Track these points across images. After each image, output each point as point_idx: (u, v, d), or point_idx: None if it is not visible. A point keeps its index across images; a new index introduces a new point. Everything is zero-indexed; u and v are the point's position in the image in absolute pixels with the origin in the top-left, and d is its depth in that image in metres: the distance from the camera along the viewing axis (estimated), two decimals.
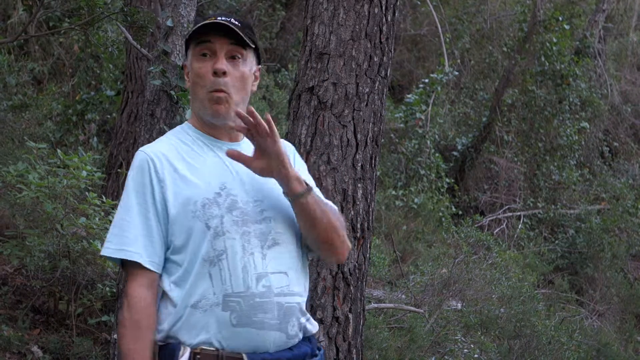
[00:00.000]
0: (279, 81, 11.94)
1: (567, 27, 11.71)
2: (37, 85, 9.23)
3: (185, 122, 2.40)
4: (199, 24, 2.27)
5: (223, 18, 2.27)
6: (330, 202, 2.36)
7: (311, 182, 2.35)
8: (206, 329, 2.15)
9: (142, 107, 6.08)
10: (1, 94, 7.69)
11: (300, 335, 2.28)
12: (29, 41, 9.17)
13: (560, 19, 11.66)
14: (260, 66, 2.41)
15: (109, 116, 8.46)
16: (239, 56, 2.28)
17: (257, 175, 2.25)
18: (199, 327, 2.16)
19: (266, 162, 2.20)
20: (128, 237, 2.20)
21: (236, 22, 2.28)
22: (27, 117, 7.71)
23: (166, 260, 2.23)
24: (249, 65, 2.32)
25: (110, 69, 8.34)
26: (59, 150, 5.27)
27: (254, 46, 2.32)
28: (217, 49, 2.27)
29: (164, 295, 2.23)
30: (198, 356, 2.14)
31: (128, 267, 2.21)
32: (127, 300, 2.18)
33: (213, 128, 2.31)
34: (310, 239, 2.29)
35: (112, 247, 2.20)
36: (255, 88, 2.38)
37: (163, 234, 2.22)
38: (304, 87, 3.93)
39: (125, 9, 5.18)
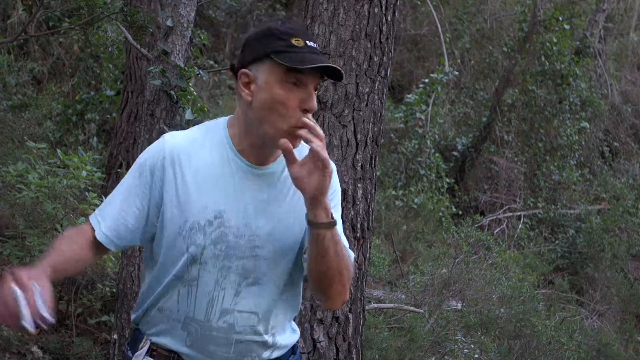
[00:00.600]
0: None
1: (567, 27, 11.70)
2: (37, 85, 9.22)
3: (226, 121, 2.21)
4: (310, 65, 2.04)
5: (315, 46, 2.09)
6: (347, 248, 2.20)
7: (338, 218, 2.18)
8: (166, 335, 2.20)
9: (142, 107, 6.07)
10: (1, 94, 7.68)
11: None
12: (29, 41, 9.17)
13: (561, 18, 11.65)
14: None
15: (108, 116, 8.45)
16: (316, 89, 2.11)
17: (269, 207, 2.15)
18: (160, 329, 2.21)
19: (308, 172, 2.02)
20: (106, 207, 2.22)
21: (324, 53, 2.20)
22: (27, 117, 7.70)
23: (151, 245, 2.23)
24: None
25: (110, 69, 8.33)
26: (58, 150, 5.27)
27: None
28: (308, 82, 2.06)
29: (145, 270, 2.30)
30: (154, 352, 2.21)
31: (91, 230, 2.22)
32: (72, 228, 2.28)
33: (253, 149, 2.14)
34: (312, 273, 2.15)
35: (95, 212, 2.26)
36: None
37: (142, 226, 2.19)
38: None
39: (125, 9, 5.17)
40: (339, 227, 2.16)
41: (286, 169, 2.10)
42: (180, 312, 2.17)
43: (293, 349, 2.35)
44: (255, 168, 2.16)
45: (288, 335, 2.31)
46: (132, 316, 2.31)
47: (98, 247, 2.21)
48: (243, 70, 2.11)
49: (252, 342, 2.19)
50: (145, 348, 2.22)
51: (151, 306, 2.22)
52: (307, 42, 2.08)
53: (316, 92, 2.11)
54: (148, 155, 2.18)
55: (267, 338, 2.21)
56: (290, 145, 2.03)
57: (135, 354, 2.24)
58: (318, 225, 2.05)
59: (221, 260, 2.13)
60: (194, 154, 2.15)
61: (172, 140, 2.17)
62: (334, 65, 2.08)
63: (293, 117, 2.05)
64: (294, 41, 2.06)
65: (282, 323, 2.27)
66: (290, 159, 2.04)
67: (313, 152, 2.02)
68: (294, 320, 2.38)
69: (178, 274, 2.16)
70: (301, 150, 2.13)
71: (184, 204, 2.13)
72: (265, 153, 2.15)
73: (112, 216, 2.19)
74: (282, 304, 2.23)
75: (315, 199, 2.04)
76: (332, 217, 2.08)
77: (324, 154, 2.02)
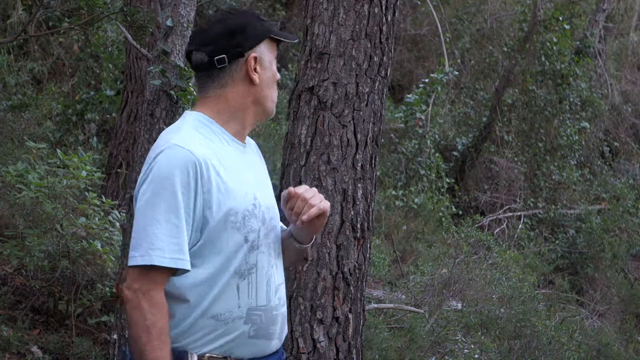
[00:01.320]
0: (279, 81, 11.88)
1: (567, 27, 11.69)
2: (36, 85, 9.22)
3: (193, 112, 2.27)
4: (276, 24, 2.35)
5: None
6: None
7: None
8: (222, 338, 2.13)
9: (141, 107, 6.07)
10: (1, 94, 7.68)
11: None
12: (29, 41, 9.17)
13: (561, 18, 11.64)
14: None
15: (108, 116, 8.45)
16: None
17: (264, 179, 2.33)
18: (213, 337, 2.13)
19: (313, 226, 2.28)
20: (179, 244, 2.07)
21: None
22: (27, 117, 7.71)
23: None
24: None
25: (110, 69, 8.33)
26: (58, 150, 5.27)
27: None
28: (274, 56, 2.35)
29: (169, 294, 2.12)
30: None
31: (154, 270, 2.06)
32: (152, 304, 2.05)
33: (243, 128, 2.30)
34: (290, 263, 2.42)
35: (167, 257, 2.06)
36: None
37: (190, 240, 2.13)
38: (304, 87, 3.93)
39: (125, 9, 5.18)
40: None
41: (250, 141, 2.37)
42: (242, 307, 2.15)
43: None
44: (244, 147, 2.30)
45: None
46: (175, 339, 2.13)
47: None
48: (254, 54, 2.25)
49: (285, 313, 2.30)
50: None
51: (201, 317, 2.12)
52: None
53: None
54: (181, 171, 2.09)
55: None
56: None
57: None
58: (306, 248, 2.35)
59: (267, 239, 2.23)
60: (211, 151, 2.16)
61: (192, 146, 2.12)
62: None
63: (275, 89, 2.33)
64: (271, 21, 2.36)
65: None
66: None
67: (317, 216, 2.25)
68: None
69: (238, 269, 2.14)
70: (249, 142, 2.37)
71: (230, 198, 2.14)
72: (245, 132, 2.31)
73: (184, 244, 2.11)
74: None
75: (314, 233, 2.33)
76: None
77: (318, 209, 2.23)
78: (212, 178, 2.11)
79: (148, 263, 2.05)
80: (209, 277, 2.12)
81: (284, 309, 2.28)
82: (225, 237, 2.12)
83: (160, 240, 2.05)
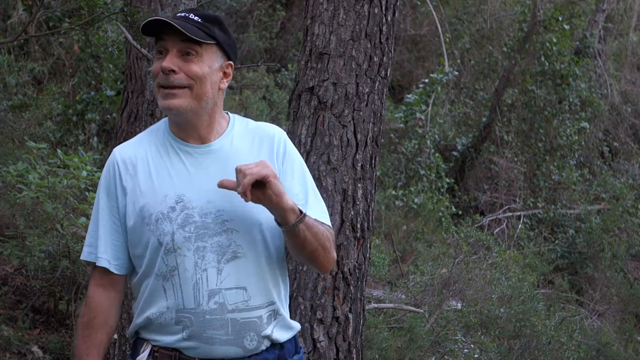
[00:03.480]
0: (279, 81, 11.93)
1: (567, 27, 11.70)
2: (37, 85, 9.22)
3: (166, 119, 2.33)
4: (145, 21, 2.23)
5: (181, 14, 2.22)
6: (322, 217, 2.29)
7: (290, 181, 2.28)
8: (163, 336, 2.22)
9: (142, 107, 6.07)
10: (1, 94, 7.69)
11: (264, 345, 2.24)
12: (29, 41, 9.17)
13: (560, 19, 11.65)
14: (231, 62, 2.29)
15: (109, 116, 8.45)
16: (193, 53, 2.19)
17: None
18: (157, 334, 2.23)
19: (259, 193, 2.10)
20: (96, 240, 2.26)
21: (195, 18, 2.21)
22: (27, 117, 7.71)
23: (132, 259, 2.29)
24: (208, 62, 2.21)
25: (110, 69, 8.33)
26: (59, 150, 5.27)
27: (212, 42, 2.21)
28: (168, 46, 2.20)
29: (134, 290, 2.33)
30: (156, 354, 2.22)
31: (93, 266, 2.28)
32: (85, 299, 2.27)
33: (180, 128, 2.26)
34: (295, 256, 2.28)
35: (86, 251, 2.29)
36: (224, 85, 2.28)
37: (125, 239, 2.26)
38: (304, 87, 3.93)
39: (125, 9, 5.18)
40: (311, 193, 2.29)
41: (233, 141, 2.27)
42: (170, 308, 2.19)
43: (296, 347, 2.34)
44: (199, 147, 2.25)
45: (289, 321, 2.32)
46: (130, 330, 2.32)
47: (116, 282, 2.30)
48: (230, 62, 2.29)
49: (247, 319, 2.20)
50: (147, 351, 2.24)
51: (142, 316, 2.24)
52: (179, 14, 2.25)
53: (194, 56, 2.21)
54: (105, 173, 2.28)
55: (263, 313, 2.22)
56: (226, 181, 2.14)
57: (137, 357, 2.25)
58: (291, 226, 2.14)
59: (194, 242, 2.18)
60: (142, 153, 2.25)
61: (120, 149, 2.29)
62: (162, 18, 2.19)
63: (159, 80, 2.25)
64: (150, 19, 2.24)
65: (281, 296, 2.29)
66: (233, 189, 2.12)
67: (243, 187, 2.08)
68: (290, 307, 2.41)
69: (158, 271, 2.20)
70: (244, 125, 2.32)
71: (145, 200, 2.20)
72: (191, 132, 2.26)
73: (113, 247, 2.27)
74: (270, 276, 2.26)
75: (280, 208, 2.12)
76: (300, 212, 2.16)
77: (251, 176, 2.06)
78: (129, 179, 2.22)
79: (82, 258, 2.31)
80: (140, 278, 2.25)
81: (236, 315, 2.18)
82: (144, 238, 2.21)
83: (89, 236, 2.29)
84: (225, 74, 2.27)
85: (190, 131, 2.25)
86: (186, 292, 2.17)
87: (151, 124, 4.46)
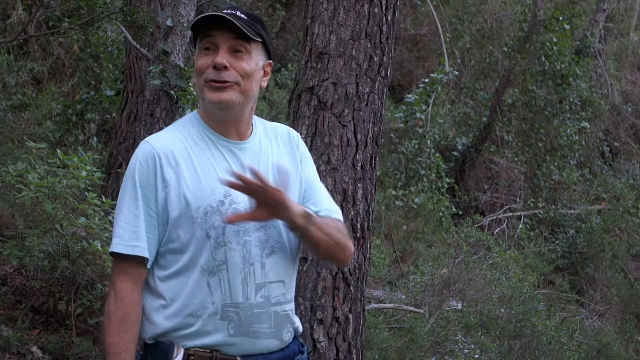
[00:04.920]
0: (279, 81, 11.93)
1: (567, 26, 11.69)
2: (36, 85, 9.22)
3: (194, 112, 2.35)
4: (200, 16, 2.24)
5: (228, 11, 2.22)
6: (333, 210, 2.35)
7: (313, 176, 2.39)
8: (205, 335, 2.17)
9: (142, 107, 6.07)
10: (1, 94, 7.68)
11: (290, 337, 2.31)
12: (29, 41, 9.16)
13: (561, 18, 11.65)
14: (271, 61, 2.33)
15: (108, 116, 8.45)
16: (242, 50, 2.22)
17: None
18: (197, 333, 2.17)
19: (266, 210, 2.15)
20: (137, 232, 2.18)
21: (242, 15, 2.23)
22: (27, 117, 7.70)
23: (159, 255, 2.22)
24: (255, 60, 2.25)
25: (110, 69, 8.33)
26: (58, 150, 5.26)
27: (259, 40, 2.25)
28: (219, 42, 2.21)
29: (149, 288, 2.23)
30: (192, 357, 2.17)
31: (121, 259, 2.20)
32: (115, 293, 2.18)
33: (221, 124, 2.27)
34: (313, 255, 2.34)
35: (124, 244, 2.18)
36: (265, 84, 2.32)
37: (159, 233, 2.21)
38: (304, 87, 3.93)
39: (125, 9, 5.18)
40: (318, 188, 2.36)
41: (261, 139, 2.32)
42: (216, 303, 2.17)
43: (301, 347, 2.36)
44: (238, 143, 2.28)
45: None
46: (149, 333, 2.22)
47: (142, 277, 2.24)
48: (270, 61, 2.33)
49: (285, 312, 2.26)
50: (180, 356, 2.17)
51: (181, 314, 2.18)
52: (225, 11, 2.25)
53: (243, 53, 2.24)
54: (140, 164, 2.21)
55: (293, 305, 2.30)
56: (233, 215, 2.17)
57: None
58: (302, 229, 2.20)
59: (241, 236, 2.19)
60: (180, 145, 2.23)
61: (156, 141, 2.24)
62: (221, 15, 2.20)
63: (207, 75, 2.26)
64: (206, 14, 2.26)
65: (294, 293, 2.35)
66: (243, 218, 2.16)
67: (245, 192, 2.13)
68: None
69: (205, 265, 2.17)
70: (267, 127, 2.37)
71: (192, 192, 2.18)
72: (229, 128, 2.28)
73: (149, 241, 2.21)
74: (295, 271, 2.33)
75: (287, 217, 2.17)
76: (308, 213, 2.21)
77: (248, 180, 2.10)
78: (171, 171, 2.19)
79: (110, 250, 2.20)
80: (179, 273, 2.19)
81: (278, 308, 2.23)
82: (188, 232, 2.18)
83: (121, 228, 2.19)
84: (265, 73, 2.31)
85: (231, 127, 2.27)
86: (234, 287, 2.17)
87: (151, 124, 4.47)
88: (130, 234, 2.18)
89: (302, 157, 2.38)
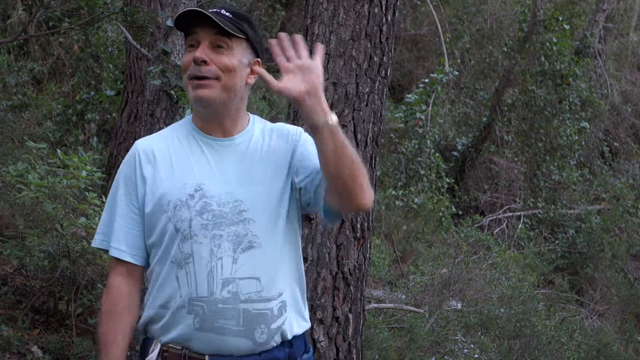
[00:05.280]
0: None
1: (567, 27, 11.69)
2: (36, 85, 9.22)
3: (191, 114, 2.40)
4: (179, 12, 2.28)
5: (214, 10, 2.26)
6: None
7: (313, 149, 2.29)
8: (174, 328, 2.21)
9: (142, 107, 6.08)
10: (1, 94, 7.68)
11: (275, 342, 2.23)
12: (29, 41, 9.17)
13: (561, 18, 11.65)
14: (259, 59, 2.32)
15: (109, 116, 8.45)
16: (224, 46, 2.23)
17: (246, 173, 2.25)
18: (168, 326, 2.22)
19: (291, 81, 2.11)
20: (114, 229, 2.28)
21: (227, 14, 2.25)
22: (27, 117, 7.71)
23: (147, 248, 2.30)
24: (238, 56, 2.25)
25: (110, 69, 8.33)
26: (58, 150, 5.26)
27: (242, 36, 2.25)
28: (200, 39, 2.24)
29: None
30: (165, 353, 2.22)
31: (112, 256, 2.30)
32: (106, 288, 2.29)
33: (205, 121, 2.30)
34: (333, 178, 2.13)
35: (98, 239, 2.32)
36: (251, 81, 2.30)
37: (144, 228, 2.28)
38: None
39: (125, 9, 5.18)
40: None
41: (252, 138, 2.30)
42: (183, 296, 2.19)
43: (305, 346, 2.33)
44: (222, 140, 2.30)
45: (299, 317, 2.31)
46: (139, 325, 2.29)
47: (133, 272, 2.31)
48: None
49: (259, 311, 2.20)
50: (156, 351, 2.23)
51: (154, 305, 2.24)
52: (212, 9, 2.30)
53: (224, 49, 2.25)
54: (125, 164, 2.32)
55: (274, 305, 2.22)
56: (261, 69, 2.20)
57: (146, 358, 2.24)
58: (324, 123, 2.12)
59: (210, 230, 2.20)
60: (164, 145, 2.30)
61: (142, 142, 2.34)
62: (197, 10, 2.23)
63: (189, 71, 2.29)
64: (184, 10, 2.32)
65: (292, 290, 2.28)
66: (267, 82, 2.11)
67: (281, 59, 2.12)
68: (305, 300, 2.36)
69: (173, 258, 2.21)
70: (262, 127, 2.35)
71: (164, 187, 2.24)
72: (213, 126, 2.30)
73: (129, 238, 2.29)
74: (285, 268, 2.26)
75: (307, 101, 2.11)
76: (331, 118, 2.14)
77: (302, 62, 2.11)
78: (149, 167, 2.26)
79: (93, 245, 2.36)
80: (155, 266, 2.26)
81: (248, 306, 2.17)
82: (160, 225, 2.23)
83: (101, 224, 2.33)
84: (252, 70, 2.31)
85: (215, 124, 2.29)
86: (200, 280, 2.18)
87: (151, 124, 4.47)
88: (103, 227, 2.31)
89: (298, 141, 2.32)
